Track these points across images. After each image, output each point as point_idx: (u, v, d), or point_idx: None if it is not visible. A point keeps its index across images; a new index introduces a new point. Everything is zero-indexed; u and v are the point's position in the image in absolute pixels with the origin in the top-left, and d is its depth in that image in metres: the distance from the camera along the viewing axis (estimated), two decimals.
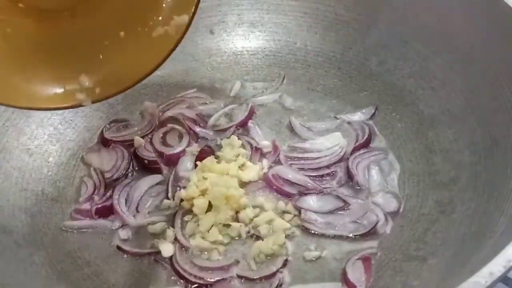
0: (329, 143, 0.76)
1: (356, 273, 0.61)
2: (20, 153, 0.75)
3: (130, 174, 0.75)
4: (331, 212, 0.68)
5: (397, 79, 0.81)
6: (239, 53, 0.92)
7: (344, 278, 0.61)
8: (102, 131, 0.80)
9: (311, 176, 0.72)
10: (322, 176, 0.73)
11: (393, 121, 0.79)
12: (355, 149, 0.75)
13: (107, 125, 0.81)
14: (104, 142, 0.79)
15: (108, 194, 0.71)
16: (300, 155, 0.75)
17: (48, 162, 0.77)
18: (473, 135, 0.68)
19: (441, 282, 0.55)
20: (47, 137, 0.79)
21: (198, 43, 0.91)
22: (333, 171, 0.73)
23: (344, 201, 0.68)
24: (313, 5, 0.89)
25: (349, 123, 0.79)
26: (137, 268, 0.64)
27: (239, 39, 0.92)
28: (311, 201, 0.69)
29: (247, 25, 0.92)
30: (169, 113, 0.82)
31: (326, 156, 0.74)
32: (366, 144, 0.76)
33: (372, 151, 0.75)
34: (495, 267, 0.42)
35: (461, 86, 0.72)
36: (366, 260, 0.62)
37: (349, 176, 0.72)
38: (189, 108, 0.83)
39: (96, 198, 0.71)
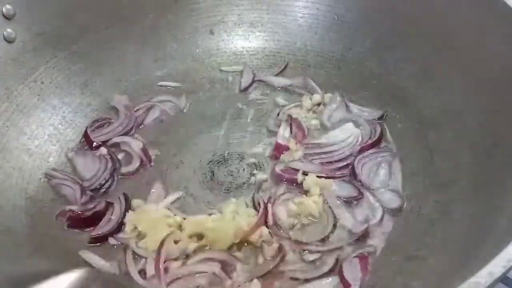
0: (343, 134, 0.77)
1: (352, 271, 0.61)
2: (20, 153, 0.75)
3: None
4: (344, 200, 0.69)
5: (397, 79, 0.81)
6: (239, 53, 0.92)
7: (340, 276, 0.61)
8: (86, 130, 0.79)
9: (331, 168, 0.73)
10: (340, 167, 0.73)
11: (393, 121, 0.79)
12: (364, 149, 0.75)
13: (90, 124, 0.81)
14: (89, 143, 0.78)
15: (91, 205, 0.70)
16: (319, 150, 0.75)
17: (48, 162, 0.77)
18: (473, 135, 0.67)
19: (441, 282, 0.55)
20: (47, 137, 0.79)
21: (198, 43, 0.91)
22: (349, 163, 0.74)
23: (359, 190, 0.69)
24: (313, 5, 0.89)
25: (362, 118, 0.80)
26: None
27: (239, 39, 0.92)
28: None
29: (247, 25, 0.92)
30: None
31: (343, 147, 0.75)
32: (377, 143, 0.76)
33: (381, 152, 0.75)
34: (495, 267, 0.42)
35: (461, 86, 0.72)
36: (363, 258, 0.62)
37: (354, 174, 0.72)
38: None
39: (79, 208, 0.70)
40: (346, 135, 0.76)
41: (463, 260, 0.54)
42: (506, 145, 0.62)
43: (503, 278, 0.46)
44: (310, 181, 0.70)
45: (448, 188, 0.67)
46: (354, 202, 0.69)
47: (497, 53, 0.67)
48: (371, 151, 0.75)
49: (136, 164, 0.75)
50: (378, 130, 0.77)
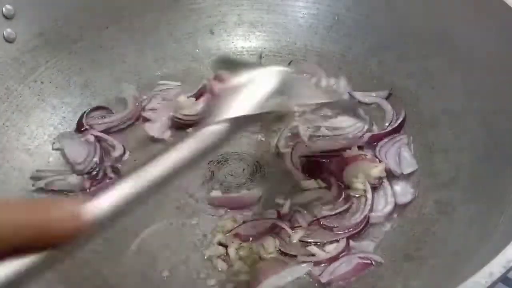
0: (349, 121, 0.77)
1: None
2: (20, 153, 0.75)
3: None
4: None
5: (397, 79, 0.81)
6: (239, 53, 0.92)
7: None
8: (81, 116, 0.80)
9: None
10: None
11: None
12: (386, 135, 0.75)
13: (88, 111, 0.81)
14: (79, 127, 0.79)
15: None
16: (326, 133, 0.76)
17: (49, 162, 0.76)
18: (473, 135, 0.67)
19: (441, 282, 0.55)
20: (47, 137, 0.79)
21: (198, 43, 0.91)
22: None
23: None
24: (313, 5, 0.89)
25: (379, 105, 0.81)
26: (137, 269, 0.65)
27: (239, 39, 0.92)
28: None
29: (247, 25, 0.92)
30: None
31: (350, 132, 0.76)
32: (399, 129, 0.76)
33: (396, 137, 0.75)
34: (495, 267, 0.42)
35: (461, 86, 0.72)
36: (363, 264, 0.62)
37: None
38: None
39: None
40: (352, 122, 0.77)
41: (463, 260, 0.54)
42: (506, 145, 0.62)
43: (504, 279, 0.46)
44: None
45: (448, 188, 0.67)
46: None
47: (497, 53, 0.67)
48: (386, 139, 0.75)
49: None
50: (402, 115, 0.77)
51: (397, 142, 0.74)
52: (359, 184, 0.69)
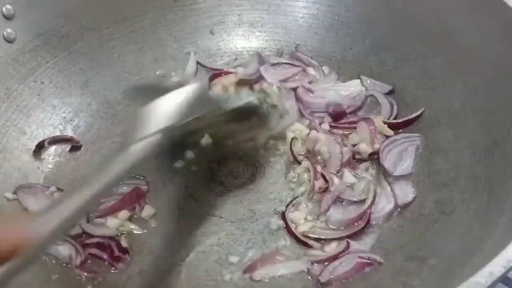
0: (346, 91, 0.80)
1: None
2: (20, 153, 0.75)
3: None
4: None
5: (397, 79, 0.81)
6: (239, 53, 0.92)
7: None
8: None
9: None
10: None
11: None
12: (400, 125, 0.75)
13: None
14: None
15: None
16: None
17: (49, 163, 0.76)
18: (473, 135, 0.67)
19: (441, 282, 0.55)
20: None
21: (198, 43, 0.91)
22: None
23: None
24: (313, 5, 0.89)
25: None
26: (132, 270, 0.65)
27: (239, 39, 0.92)
28: None
29: (247, 25, 0.92)
30: None
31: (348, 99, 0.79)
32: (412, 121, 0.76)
33: (408, 135, 0.74)
34: (495, 267, 0.42)
35: (461, 86, 0.72)
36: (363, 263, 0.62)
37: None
38: None
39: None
40: (351, 91, 0.79)
41: (463, 260, 0.54)
42: (506, 145, 0.62)
43: (503, 278, 0.46)
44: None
45: (448, 188, 0.67)
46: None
47: (497, 53, 0.67)
48: (397, 136, 0.74)
49: None
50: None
51: (408, 142, 0.73)
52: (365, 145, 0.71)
